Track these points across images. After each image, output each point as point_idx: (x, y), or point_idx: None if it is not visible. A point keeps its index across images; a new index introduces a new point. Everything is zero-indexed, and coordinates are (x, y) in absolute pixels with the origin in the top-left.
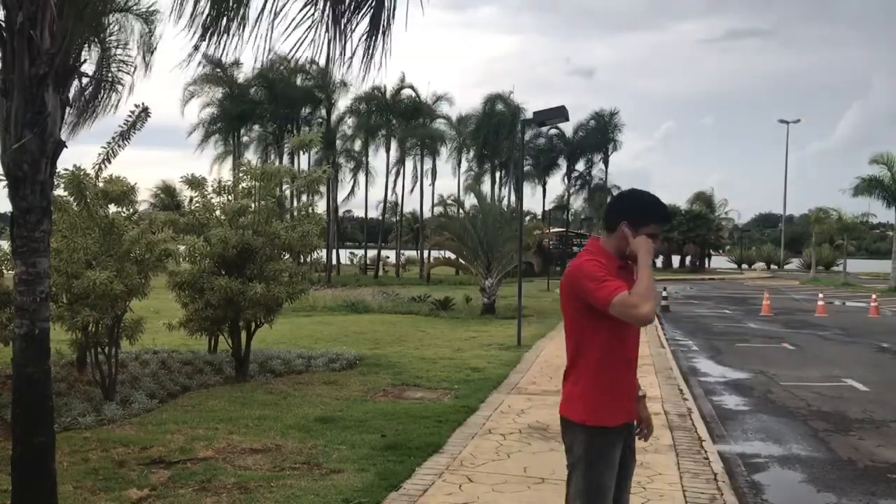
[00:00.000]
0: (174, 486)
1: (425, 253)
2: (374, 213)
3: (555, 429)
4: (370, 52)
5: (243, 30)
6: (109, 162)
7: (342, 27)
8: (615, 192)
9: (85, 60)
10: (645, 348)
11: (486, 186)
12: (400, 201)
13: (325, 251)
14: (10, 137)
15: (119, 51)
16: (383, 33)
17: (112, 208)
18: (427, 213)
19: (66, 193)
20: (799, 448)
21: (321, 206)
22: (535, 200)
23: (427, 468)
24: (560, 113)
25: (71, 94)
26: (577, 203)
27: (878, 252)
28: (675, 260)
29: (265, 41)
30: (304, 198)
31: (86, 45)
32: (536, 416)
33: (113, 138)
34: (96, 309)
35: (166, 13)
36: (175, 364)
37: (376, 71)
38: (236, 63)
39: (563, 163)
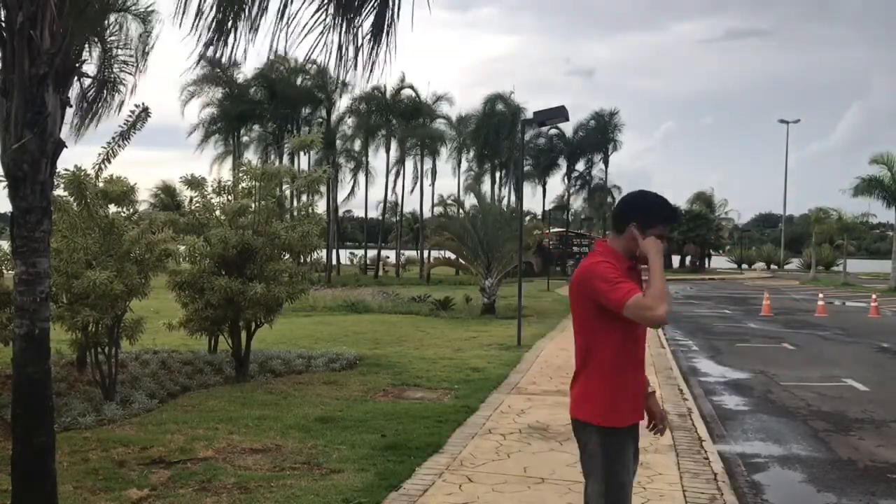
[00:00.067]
0: (174, 486)
1: (425, 253)
2: (374, 213)
3: (555, 429)
4: (374, 52)
5: (251, 33)
6: (109, 162)
7: (354, 32)
8: (613, 192)
9: (85, 60)
10: (645, 348)
11: (486, 186)
12: (400, 201)
13: (325, 251)
14: (10, 137)
15: (120, 51)
16: (387, 33)
17: (112, 208)
18: (427, 213)
19: (66, 193)
20: (799, 448)
21: (321, 206)
22: (535, 200)
23: (427, 468)
24: (560, 113)
25: (74, 96)
26: (577, 203)
27: (878, 252)
28: (675, 260)
29: (275, 43)
30: (304, 198)
31: (86, 46)
32: (536, 416)
33: (113, 138)
34: (96, 309)
35: (166, 14)
36: (175, 364)
37: (380, 70)
38: (236, 64)
39: (563, 163)
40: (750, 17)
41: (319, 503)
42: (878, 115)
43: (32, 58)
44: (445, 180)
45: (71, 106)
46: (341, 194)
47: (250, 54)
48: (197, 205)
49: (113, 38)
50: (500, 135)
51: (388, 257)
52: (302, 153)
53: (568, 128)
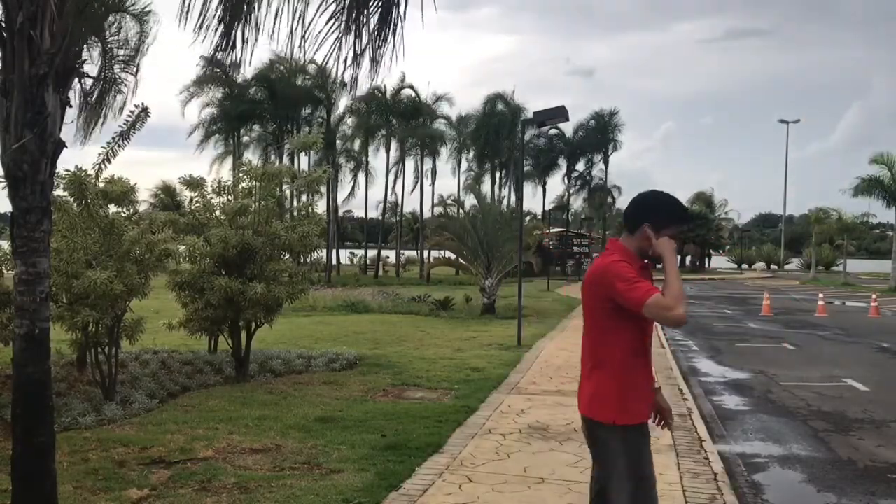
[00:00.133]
0: (174, 486)
1: (425, 253)
2: (374, 213)
3: (555, 429)
4: (381, 52)
5: (256, 40)
6: (109, 162)
7: (359, 33)
8: (613, 192)
9: (85, 60)
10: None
11: (486, 186)
12: (400, 201)
13: (325, 251)
14: (10, 137)
15: (121, 51)
16: (394, 32)
17: (112, 208)
18: (427, 213)
19: (66, 193)
20: (799, 448)
21: (321, 206)
22: (535, 200)
23: (427, 468)
24: (560, 113)
25: (77, 97)
26: (577, 203)
27: (878, 252)
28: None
29: (287, 49)
30: (304, 198)
31: (86, 46)
32: (536, 416)
33: (113, 138)
34: (96, 309)
35: (165, 14)
36: (175, 364)
37: (386, 70)
38: (237, 65)
39: (563, 163)
40: (750, 17)
41: (319, 503)
42: (878, 115)
43: (32, 58)
44: (445, 180)
45: (71, 106)
46: (341, 194)
47: (251, 54)
48: (197, 205)
49: (113, 38)
50: (500, 135)
51: (388, 257)
52: (302, 153)
53: (568, 128)
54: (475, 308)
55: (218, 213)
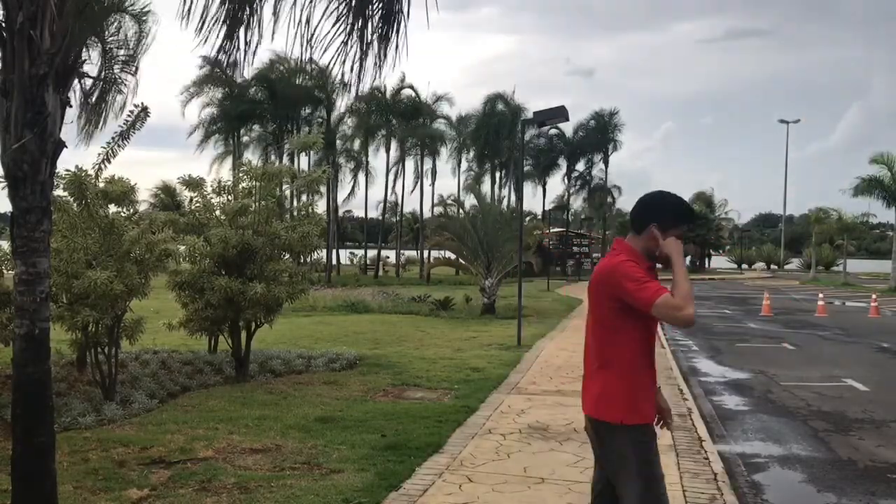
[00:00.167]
0: (174, 486)
1: (425, 253)
2: (374, 213)
3: (555, 429)
4: (383, 52)
5: (258, 42)
6: (109, 162)
7: (360, 33)
8: (613, 192)
9: (85, 60)
10: None
11: (486, 186)
12: (400, 201)
13: (325, 251)
14: (10, 137)
15: (121, 51)
16: (396, 31)
17: (112, 208)
18: (427, 213)
19: (66, 193)
20: (799, 448)
21: (321, 206)
22: (535, 200)
23: (427, 468)
24: (560, 113)
25: (76, 98)
26: (577, 203)
27: (878, 252)
28: None
29: (292, 51)
30: (304, 198)
31: (86, 46)
32: (536, 416)
33: (113, 138)
34: (96, 309)
35: (164, 14)
36: (175, 364)
37: (391, 69)
38: (236, 64)
39: (563, 163)
40: (750, 17)
41: (319, 503)
42: (878, 115)
43: (32, 58)
44: (445, 180)
45: (71, 106)
46: (341, 194)
47: (253, 55)
48: (197, 205)
49: (112, 38)
50: (500, 135)
51: (388, 257)
52: (302, 153)
53: (568, 128)
54: (475, 308)
55: (218, 213)
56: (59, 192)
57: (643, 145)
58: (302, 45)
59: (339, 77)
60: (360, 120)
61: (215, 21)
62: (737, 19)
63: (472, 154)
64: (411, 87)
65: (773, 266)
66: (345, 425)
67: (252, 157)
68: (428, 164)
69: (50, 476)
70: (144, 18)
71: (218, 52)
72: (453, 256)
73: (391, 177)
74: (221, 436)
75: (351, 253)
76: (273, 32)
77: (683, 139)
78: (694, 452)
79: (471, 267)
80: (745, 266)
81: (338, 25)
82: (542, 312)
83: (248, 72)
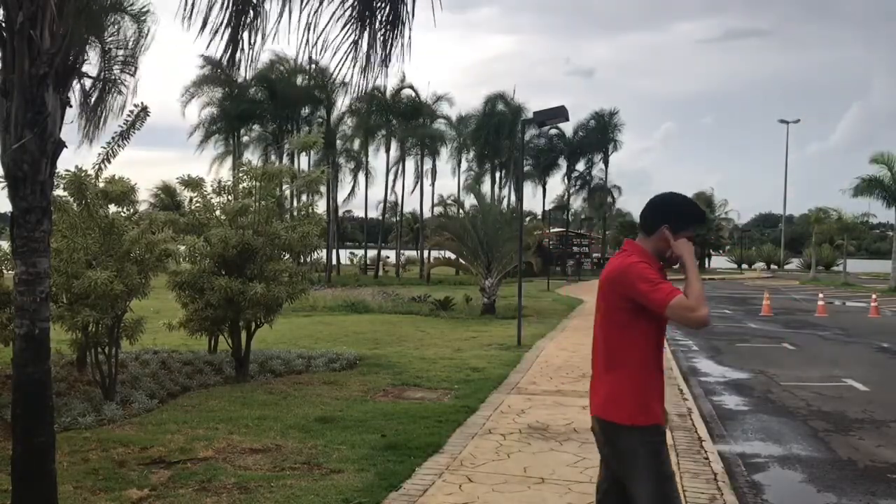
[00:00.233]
0: (174, 486)
1: (425, 253)
2: (374, 213)
3: (555, 429)
4: (388, 50)
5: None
6: (109, 162)
7: (371, 33)
8: (613, 192)
9: (85, 61)
10: None
11: (486, 186)
12: (400, 201)
13: (325, 251)
14: (10, 137)
15: (120, 51)
16: (401, 34)
17: (112, 208)
18: (427, 213)
19: (66, 193)
20: (799, 448)
21: (321, 206)
22: (535, 200)
23: (427, 468)
24: (560, 113)
25: (76, 98)
26: (577, 203)
27: (878, 252)
28: None
29: (299, 53)
30: (304, 198)
31: (86, 46)
32: (536, 416)
33: (113, 138)
34: (96, 309)
35: (164, 14)
36: (175, 364)
37: (395, 68)
38: (235, 64)
39: (563, 163)
40: (749, 17)
41: (319, 503)
42: (878, 115)
43: (32, 58)
44: (445, 180)
45: (71, 106)
46: (341, 194)
47: (257, 56)
48: (197, 205)
49: (112, 38)
50: (500, 135)
51: (388, 257)
52: (302, 153)
53: (568, 128)
54: (475, 308)
55: (218, 213)
56: (59, 192)
57: (643, 145)
58: (307, 48)
59: (349, 78)
60: (360, 120)
61: (219, 23)
62: (737, 19)
63: (472, 154)
64: (411, 87)
65: (773, 266)
66: (345, 425)
67: (252, 157)
68: (428, 164)
69: (50, 476)
70: (144, 18)
71: (223, 54)
72: (453, 256)
73: (391, 177)
74: (221, 436)
75: (351, 253)
76: (275, 33)
77: (683, 139)
78: (694, 452)
79: (471, 267)
80: (745, 266)
81: (346, 29)
82: (542, 312)
83: (249, 72)
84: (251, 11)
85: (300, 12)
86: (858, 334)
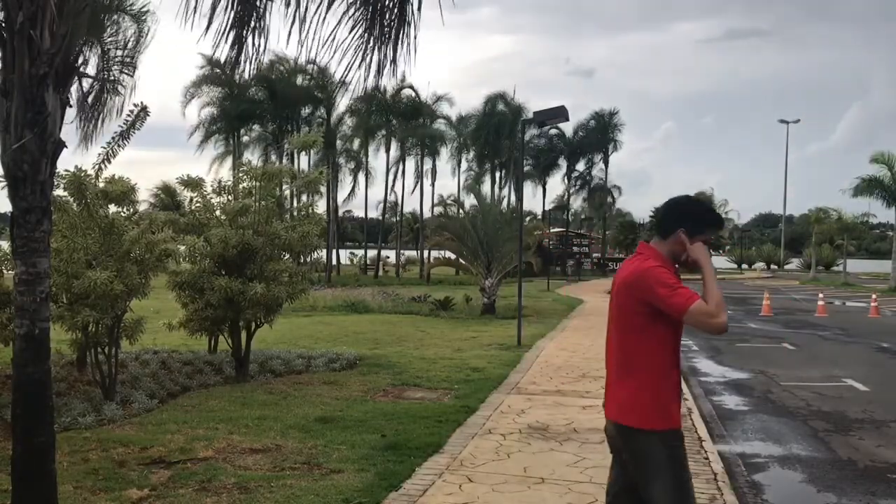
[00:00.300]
0: (174, 486)
1: (425, 253)
2: (374, 213)
3: (555, 429)
4: (395, 55)
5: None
6: (109, 162)
7: (392, 45)
8: (613, 192)
9: (86, 61)
10: None
11: (486, 186)
12: (400, 201)
13: (325, 251)
14: (10, 137)
15: (120, 52)
16: (406, 35)
17: (112, 208)
18: (427, 213)
19: (66, 193)
20: (799, 448)
21: (321, 206)
22: (535, 200)
23: (427, 468)
24: (560, 113)
25: (76, 99)
26: (577, 203)
27: (878, 252)
28: None
29: (306, 54)
30: (304, 198)
31: (85, 46)
32: (536, 416)
33: (113, 138)
34: (96, 309)
35: (164, 14)
36: (175, 364)
37: (403, 67)
38: (238, 63)
39: (563, 163)
40: (750, 17)
41: (319, 503)
42: (878, 115)
43: (32, 58)
44: (445, 180)
45: (71, 106)
46: (341, 194)
47: (252, 55)
48: (197, 205)
49: (111, 38)
50: (500, 135)
51: (388, 257)
52: (302, 153)
53: (568, 128)
54: (475, 308)
55: (218, 213)
56: (59, 192)
57: (643, 145)
58: (305, 49)
59: (355, 80)
60: (360, 120)
61: (224, 26)
62: (737, 19)
63: (472, 154)
64: (411, 87)
65: (773, 266)
66: (345, 425)
67: (252, 157)
68: (428, 164)
69: (50, 476)
70: (144, 18)
71: (228, 56)
72: (453, 256)
73: (391, 177)
74: (221, 436)
75: (351, 253)
76: (285, 36)
77: (683, 139)
78: (694, 452)
79: (471, 267)
80: (745, 266)
81: (355, 31)
82: (542, 312)
83: (250, 73)
84: (255, 13)
85: (304, 11)
86: (858, 334)
